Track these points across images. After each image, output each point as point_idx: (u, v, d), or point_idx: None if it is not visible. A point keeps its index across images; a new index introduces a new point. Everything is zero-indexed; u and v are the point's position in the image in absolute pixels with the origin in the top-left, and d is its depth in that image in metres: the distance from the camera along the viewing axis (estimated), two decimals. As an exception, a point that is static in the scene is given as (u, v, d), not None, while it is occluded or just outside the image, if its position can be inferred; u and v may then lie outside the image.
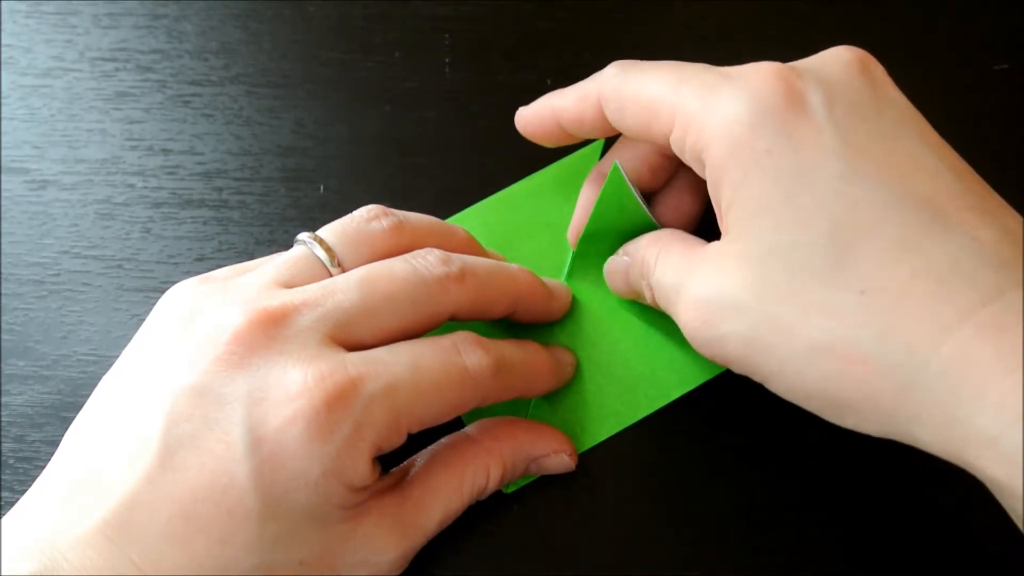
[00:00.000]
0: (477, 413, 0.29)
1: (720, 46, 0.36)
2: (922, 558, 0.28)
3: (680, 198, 0.29)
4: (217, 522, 0.22)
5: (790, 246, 0.21)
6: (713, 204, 0.24)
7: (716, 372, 0.30)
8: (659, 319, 0.30)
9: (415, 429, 0.24)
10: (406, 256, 0.26)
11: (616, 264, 0.29)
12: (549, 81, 0.36)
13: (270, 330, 0.23)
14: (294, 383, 0.22)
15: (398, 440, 0.24)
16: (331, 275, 0.25)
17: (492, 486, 0.27)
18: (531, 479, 0.29)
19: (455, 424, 0.28)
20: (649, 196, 0.29)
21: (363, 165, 0.34)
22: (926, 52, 0.36)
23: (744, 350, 0.22)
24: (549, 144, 0.29)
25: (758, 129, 0.21)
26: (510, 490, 0.29)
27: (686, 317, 0.24)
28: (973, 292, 0.19)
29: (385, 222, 0.27)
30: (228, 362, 0.23)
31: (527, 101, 0.35)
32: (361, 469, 0.23)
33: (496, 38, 0.37)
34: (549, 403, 0.30)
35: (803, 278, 0.21)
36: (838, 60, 0.23)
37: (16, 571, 0.22)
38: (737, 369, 0.23)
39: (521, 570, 0.28)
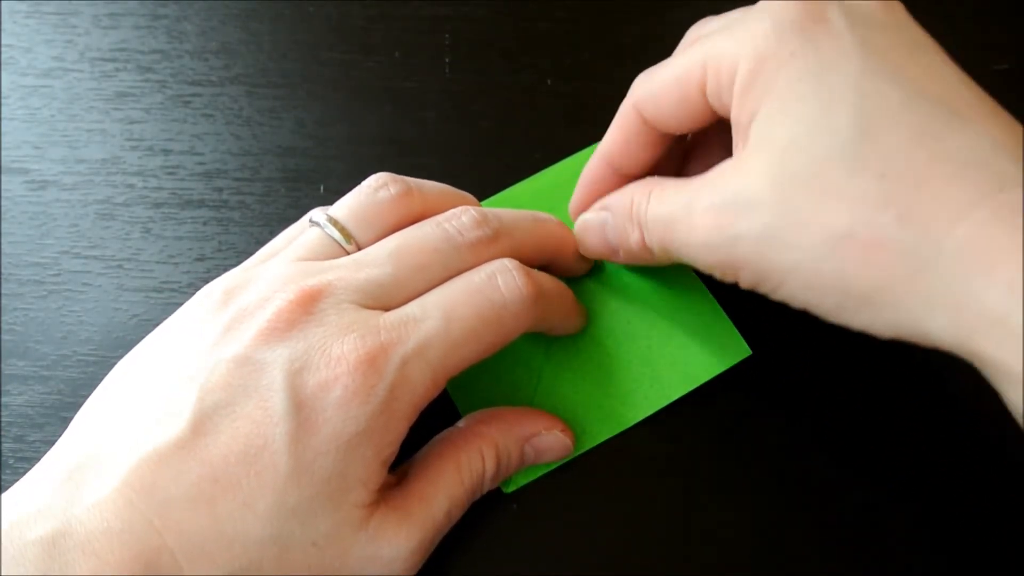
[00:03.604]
0: (473, 406, 0.29)
1: (720, 46, 0.36)
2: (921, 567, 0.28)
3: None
4: (244, 484, 0.22)
5: (812, 134, 0.21)
6: (733, 127, 0.24)
7: (717, 372, 0.29)
8: (660, 320, 0.30)
9: (455, 374, 0.25)
10: (439, 219, 0.27)
11: (591, 220, 0.29)
12: (549, 81, 0.36)
13: (308, 306, 0.24)
14: (332, 350, 0.23)
15: (436, 392, 0.25)
16: (347, 253, 0.26)
17: (490, 470, 0.27)
18: (532, 476, 0.29)
19: (449, 419, 0.28)
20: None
21: (363, 165, 0.34)
22: (926, 52, 0.36)
23: (759, 248, 0.22)
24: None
25: (782, 37, 0.22)
26: (510, 489, 0.29)
27: (698, 226, 0.23)
28: (991, 178, 0.20)
29: (393, 189, 0.27)
30: (269, 336, 0.24)
31: (527, 101, 0.35)
32: (396, 431, 0.24)
33: (496, 38, 0.37)
34: (549, 404, 0.30)
35: (824, 165, 0.21)
36: None
37: (23, 538, 0.22)
38: (748, 277, 0.23)
39: (521, 570, 0.28)
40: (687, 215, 0.24)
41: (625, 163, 0.28)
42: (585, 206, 0.29)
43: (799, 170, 0.21)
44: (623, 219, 0.27)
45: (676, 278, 0.31)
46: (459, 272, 0.26)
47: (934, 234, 0.20)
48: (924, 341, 0.21)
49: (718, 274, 0.24)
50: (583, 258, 0.30)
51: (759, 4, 0.24)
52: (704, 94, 0.25)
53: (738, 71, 0.23)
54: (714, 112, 0.25)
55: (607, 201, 0.28)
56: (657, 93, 0.26)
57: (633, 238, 0.27)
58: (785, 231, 0.22)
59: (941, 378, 0.30)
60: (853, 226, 0.21)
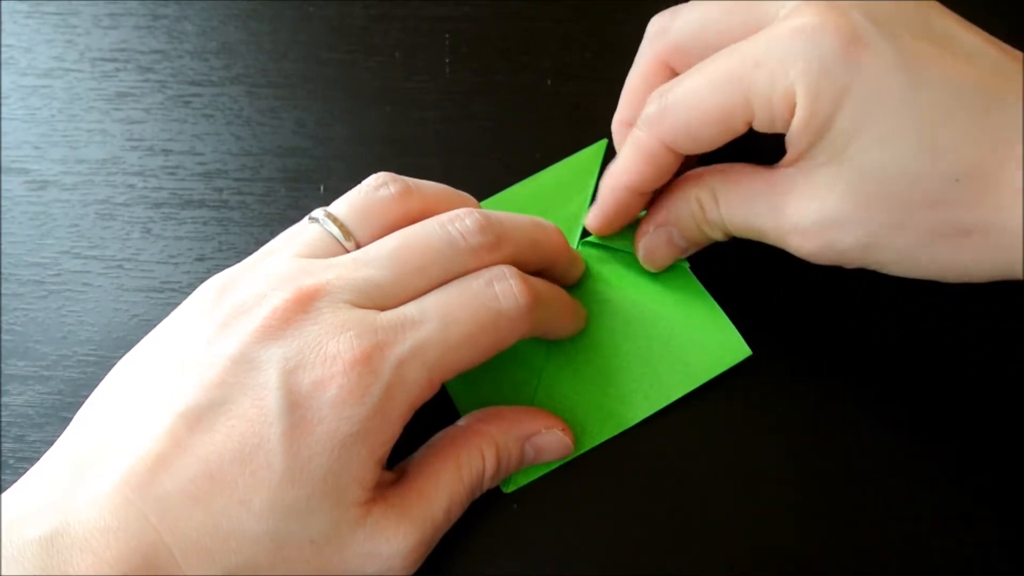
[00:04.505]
0: (473, 406, 0.29)
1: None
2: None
3: None
4: (240, 482, 0.23)
5: (884, 159, 0.23)
6: (790, 145, 0.25)
7: (717, 372, 0.29)
8: (661, 320, 0.30)
9: (450, 378, 0.25)
10: (442, 220, 0.26)
11: (656, 240, 0.29)
12: (549, 81, 0.36)
13: (304, 304, 0.24)
14: (327, 348, 0.23)
15: (431, 394, 0.25)
16: (346, 250, 0.26)
17: (490, 470, 0.27)
18: (532, 476, 0.29)
19: (449, 419, 0.28)
20: None
21: (363, 165, 0.34)
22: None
23: (862, 254, 0.25)
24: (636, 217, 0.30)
25: (832, 74, 0.23)
26: (510, 489, 0.29)
27: (798, 245, 0.26)
28: None
29: (393, 188, 0.27)
30: (264, 333, 0.24)
31: (527, 101, 0.35)
32: (391, 431, 0.24)
33: (496, 38, 0.37)
34: (549, 404, 0.30)
35: (902, 181, 0.23)
36: None
37: (23, 536, 0.22)
38: (852, 266, 0.26)
39: (521, 570, 0.28)
40: (778, 230, 0.26)
41: (655, 186, 0.28)
42: (613, 229, 0.30)
43: (881, 190, 0.24)
44: (698, 224, 0.28)
45: (676, 279, 0.31)
46: (457, 274, 0.26)
47: (1010, 212, 0.23)
48: (1015, 278, 0.24)
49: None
50: (576, 266, 0.30)
51: (788, 28, 0.24)
52: (748, 124, 0.25)
53: (796, 110, 0.24)
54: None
55: (663, 218, 0.29)
56: (695, 130, 0.26)
57: (716, 235, 0.28)
58: (881, 238, 0.24)
59: (941, 379, 0.30)
60: (942, 224, 0.24)
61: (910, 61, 0.23)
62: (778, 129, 0.25)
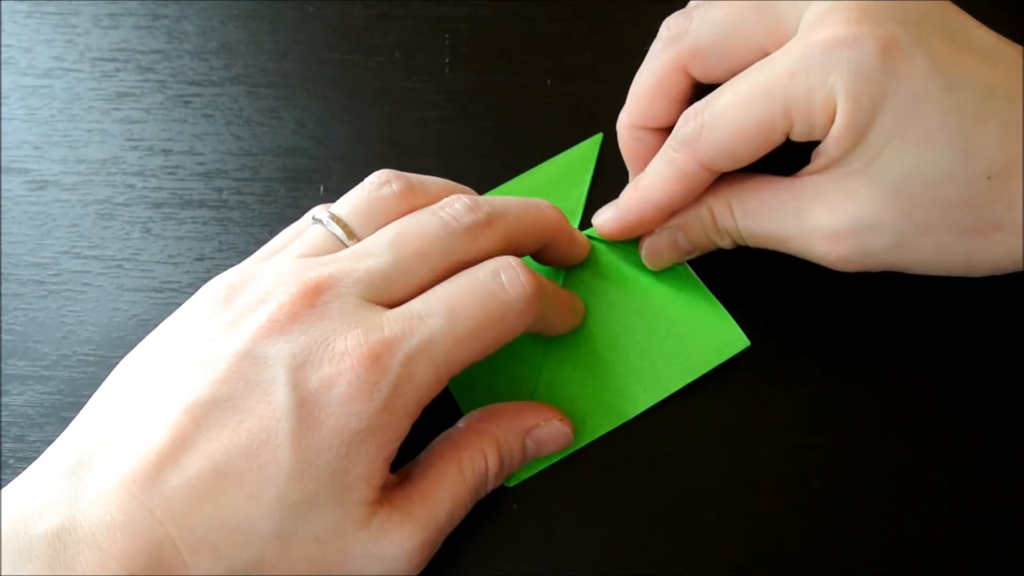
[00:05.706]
0: (476, 403, 0.29)
1: (720, 46, 0.36)
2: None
3: None
4: (248, 478, 0.23)
5: (918, 163, 0.24)
6: (821, 153, 0.26)
7: (715, 363, 0.29)
8: (659, 312, 0.30)
9: (456, 372, 0.25)
10: (433, 208, 0.27)
11: (661, 240, 0.30)
12: (549, 81, 0.36)
13: (310, 300, 0.24)
14: (336, 345, 0.23)
15: (439, 390, 0.25)
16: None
17: (493, 469, 0.27)
18: (534, 470, 0.29)
19: (451, 418, 0.28)
20: None
21: (363, 165, 0.34)
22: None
23: (894, 255, 0.26)
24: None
25: (876, 81, 0.24)
26: (513, 483, 0.29)
27: (830, 252, 0.26)
28: None
29: (396, 186, 0.27)
30: (270, 330, 0.24)
31: (527, 101, 0.35)
32: (399, 428, 0.24)
33: (496, 38, 0.37)
34: (549, 398, 0.30)
35: (938, 182, 0.24)
36: None
37: (28, 533, 0.22)
38: (878, 270, 0.26)
39: (521, 570, 0.28)
40: (803, 236, 0.26)
41: (684, 205, 0.29)
42: (628, 238, 0.30)
43: (917, 192, 0.24)
44: (706, 231, 0.29)
45: (672, 272, 0.31)
46: (459, 259, 0.26)
47: None
48: None
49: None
50: (578, 243, 0.30)
51: (823, 38, 0.24)
52: (786, 135, 0.26)
53: (837, 117, 0.24)
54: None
55: (671, 221, 0.29)
56: (733, 147, 0.26)
57: (725, 243, 0.29)
58: (913, 239, 0.25)
59: (943, 375, 0.30)
60: (975, 221, 0.24)
61: (942, 66, 0.24)
62: (816, 137, 0.25)
